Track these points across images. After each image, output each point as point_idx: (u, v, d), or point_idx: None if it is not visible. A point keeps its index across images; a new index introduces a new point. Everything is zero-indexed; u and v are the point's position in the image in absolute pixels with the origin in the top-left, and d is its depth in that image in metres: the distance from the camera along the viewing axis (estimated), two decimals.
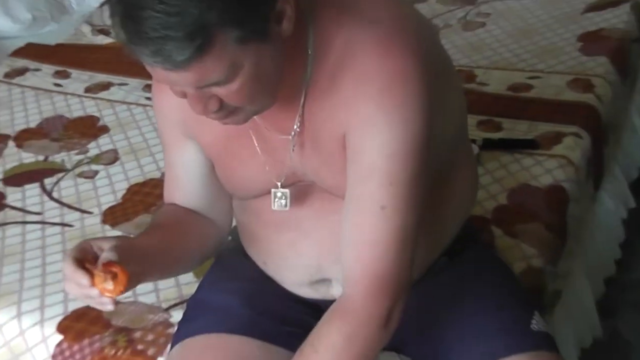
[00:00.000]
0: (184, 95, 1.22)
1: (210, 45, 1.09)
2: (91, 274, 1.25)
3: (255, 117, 1.35)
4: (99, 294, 1.26)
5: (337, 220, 1.39)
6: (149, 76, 2.78)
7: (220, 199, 1.61)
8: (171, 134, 1.54)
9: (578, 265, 2.36)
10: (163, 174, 2.29)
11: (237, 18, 1.10)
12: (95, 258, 1.29)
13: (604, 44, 2.90)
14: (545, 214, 2.11)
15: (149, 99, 2.73)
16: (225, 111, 1.24)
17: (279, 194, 1.45)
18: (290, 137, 1.39)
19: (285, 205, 1.45)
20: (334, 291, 1.53)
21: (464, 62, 2.87)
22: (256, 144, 1.43)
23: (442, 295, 1.58)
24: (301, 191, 1.47)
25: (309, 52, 1.32)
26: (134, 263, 1.31)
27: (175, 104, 1.37)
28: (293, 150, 1.40)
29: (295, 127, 1.38)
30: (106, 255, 1.27)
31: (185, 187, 1.59)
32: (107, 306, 1.31)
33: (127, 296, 1.92)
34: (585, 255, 2.45)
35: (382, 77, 1.27)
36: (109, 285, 1.24)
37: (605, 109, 2.60)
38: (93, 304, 1.33)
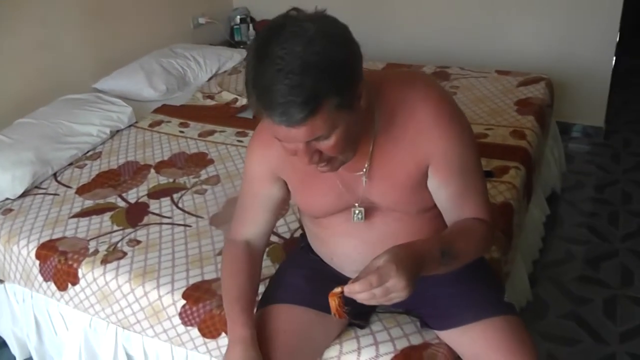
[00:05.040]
0: (294, 152, 1.16)
1: (319, 108, 1.06)
2: None
3: None
4: None
5: (383, 228, 1.39)
6: (239, 126, 2.71)
7: (271, 228, 1.53)
8: (265, 174, 1.43)
9: (518, 254, 2.23)
10: None
11: (338, 92, 1.07)
12: None
13: (531, 107, 2.78)
14: (500, 222, 1.97)
15: (240, 141, 2.64)
16: (323, 161, 1.19)
17: (357, 211, 1.39)
18: (363, 173, 1.33)
19: (362, 219, 1.39)
20: None
21: None
22: (337, 180, 1.35)
23: (442, 275, 1.41)
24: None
25: (375, 116, 1.28)
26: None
27: (277, 154, 1.35)
28: (365, 183, 1.34)
29: (366, 165, 1.31)
30: None
31: (258, 213, 1.49)
32: None
33: None
34: (522, 247, 2.33)
35: (442, 120, 1.27)
36: None
37: (533, 150, 2.47)
38: None
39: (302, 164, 1.20)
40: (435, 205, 1.38)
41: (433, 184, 1.33)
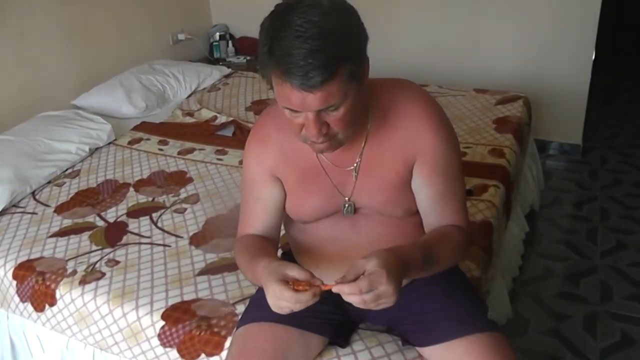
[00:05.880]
0: (301, 126, 1.21)
1: (336, 73, 1.11)
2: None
3: (326, 158, 1.38)
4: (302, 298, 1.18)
5: (369, 233, 1.43)
6: (218, 144, 2.68)
7: (279, 226, 1.51)
8: (264, 174, 1.44)
9: (498, 271, 2.24)
10: (230, 211, 2.22)
11: (352, 59, 1.14)
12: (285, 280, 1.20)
13: (509, 125, 2.80)
14: (480, 240, 1.99)
15: (219, 159, 2.63)
16: (327, 137, 1.22)
17: (347, 205, 1.41)
18: (353, 167, 1.38)
19: (351, 212, 1.42)
20: None
21: None
22: (329, 176, 1.39)
23: (426, 290, 1.47)
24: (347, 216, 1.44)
25: (369, 115, 1.34)
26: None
27: (272, 152, 1.41)
28: (356, 177, 1.38)
29: (357, 160, 1.36)
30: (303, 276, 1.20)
31: (264, 216, 1.47)
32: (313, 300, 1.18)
33: (207, 295, 1.82)
34: (501, 265, 2.34)
35: (432, 119, 1.34)
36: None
37: (512, 168, 2.50)
38: (299, 306, 1.20)
39: (302, 140, 1.25)
40: (419, 211, 1.42)
41: (417, 182, 1.38)
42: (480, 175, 2.36)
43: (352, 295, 1.14)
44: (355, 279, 1.15)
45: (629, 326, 2.41)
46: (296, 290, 1.17)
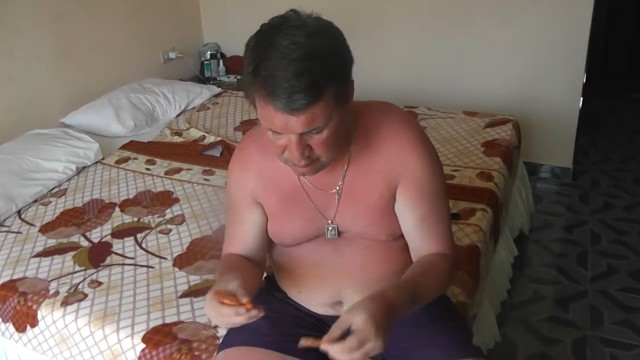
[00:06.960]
0: (283, 148, 1.20)
1: (321, 96, 1.11)
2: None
3: (308, 181, 1.37)
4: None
5: (352, 258, 1.42)
6: (206, 164, 2.68)
7: (265, 248, 1.51)
8: (245, 198, 1.43)
9: (485, 296, 2.24)
10: (214, 232, 2.23)
11: (337, 82, 1.14)
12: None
13: (498, 149, 2.82)
14: (466, 265, 1.99)
15: (206, 179, 2.64)
16: (309, 160, 1.21)
17: (330, 228, 1.40)
18: (336, 190, 1.37)
19: (335, 235, 1.41)
20: (343, 309, 1.46)
21: None
22: (311, 199, 1.39)
23: (409, 317, 1.40)
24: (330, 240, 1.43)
25: (352, 138, 1.34)
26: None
27: (253, 176, 1.41)
28: (338, 200, 1.38)
29: (340, 184, 1.36)
30: (234, 290, 1.21)
31: (247, 239, 1.47)
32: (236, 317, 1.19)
33: (189, 317, 1.81)
34: (489, 289, 2.34)
35: (415, 143, 1.34)
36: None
37: (500, 192, 2.50)
38: (222, 320, 1.22)
39: (284, 161, 1.24)
40: (402, 235, 1.41)
41: (400, 205, 1.37)
42: (468, 199, 2.36)
43: (341, 354, 1.11)
44: (341, 335, 1.13)
45: (619, 352, 2.41)
46: (221, 303, 1.18)
